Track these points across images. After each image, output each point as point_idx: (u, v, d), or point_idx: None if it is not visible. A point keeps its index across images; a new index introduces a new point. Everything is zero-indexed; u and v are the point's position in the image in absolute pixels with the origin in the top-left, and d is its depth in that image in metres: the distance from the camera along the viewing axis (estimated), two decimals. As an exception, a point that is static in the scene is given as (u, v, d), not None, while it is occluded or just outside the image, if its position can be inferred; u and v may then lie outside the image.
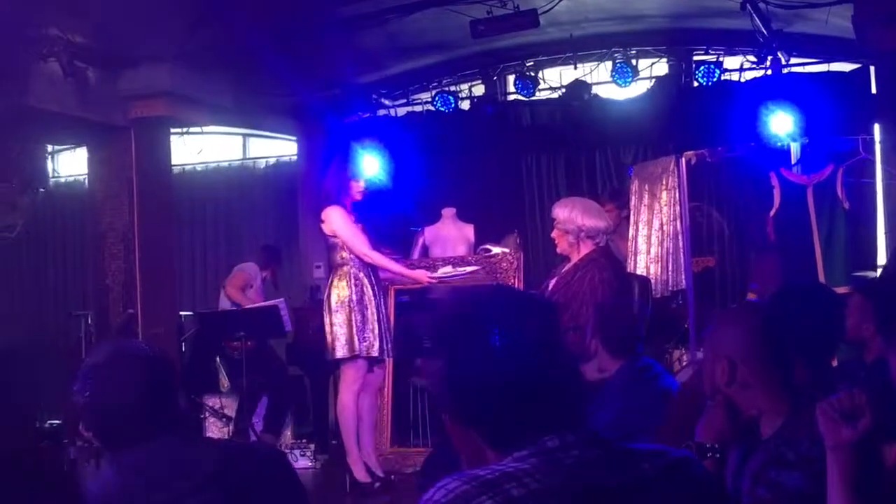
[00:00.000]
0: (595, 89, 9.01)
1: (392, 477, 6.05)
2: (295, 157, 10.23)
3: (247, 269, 8.08)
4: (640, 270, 7.09)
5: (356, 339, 5.76)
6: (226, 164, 10.71)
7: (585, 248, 5.35)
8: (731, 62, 8.57)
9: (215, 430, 7.52)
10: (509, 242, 7.91)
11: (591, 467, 1.40)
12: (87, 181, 9.20)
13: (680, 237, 6.96)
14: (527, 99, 9.09)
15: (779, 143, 7.23)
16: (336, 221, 5.84)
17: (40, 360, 9.72)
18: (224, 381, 7.75)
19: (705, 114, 8.09)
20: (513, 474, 1.36)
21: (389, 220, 8.37)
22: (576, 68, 9.01)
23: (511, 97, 9.46)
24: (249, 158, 10.76)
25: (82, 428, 2.25)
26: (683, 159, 6.88)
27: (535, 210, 9.46)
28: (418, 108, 9.58)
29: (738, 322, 2.33)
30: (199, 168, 10.65)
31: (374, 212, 6.39)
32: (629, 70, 8.51)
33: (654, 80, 8.92)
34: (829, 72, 8.27)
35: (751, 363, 2.26)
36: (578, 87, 8.90)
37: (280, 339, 8.14)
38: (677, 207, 6.96)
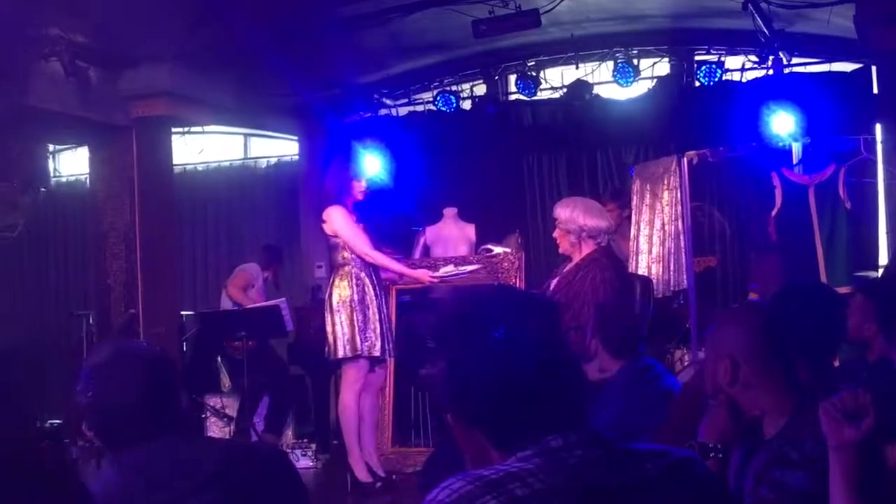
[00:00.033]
0: (596, 89, 9.01)
1: (393, 477, 6.05)
2: (296, 157, 10.23)
3: (248, 270, 8.08)
4: (642, 270, 7.09)
5: (358, 338, 5.76)
6: (227, 163, 10.71)
7: (587, 248, 5.35)
8: (732, 62, 8.56)
9: (216, 429, 7.52)
10: (511, 242, 7.91)
11: (595, 467, 1.40)
12: (88, 181, 9.21)
13: (681, 237, 6.96)
14: (528, 99, 9.09)
15: (780, 143, 7.23)
16: (337, 221, 5.84)
17: (41, 360, 9.73)
18: (225, 381, 7.76)
19: (707, 114, 8.09)
20: (517, 474, 1.36)
21: (391, 219, 8.37)
22: (577, 68, 9.00)
23: (512, 97, 9.46)
24: (251, 158, 10.76)
25: (84, 428, 2.25)
26: (685, 159, 6.87)
27: (536, 210, 9.46)
28: (420, 108, 9.58)
29: (740, 321, 2.33)
30: (200, 168, 10.65)
31: (376, 211, 6.39)
32: (631, 70, 8.51)
33: (655, 80, 8.92)
34: (830, 72, 8.27)
35: (753, 363, 2.25)
36: (580, 87, 8.90)
37: (281, 339, 8.15)
38: (679, 207, 6.96)
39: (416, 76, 9.55)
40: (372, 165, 6.18)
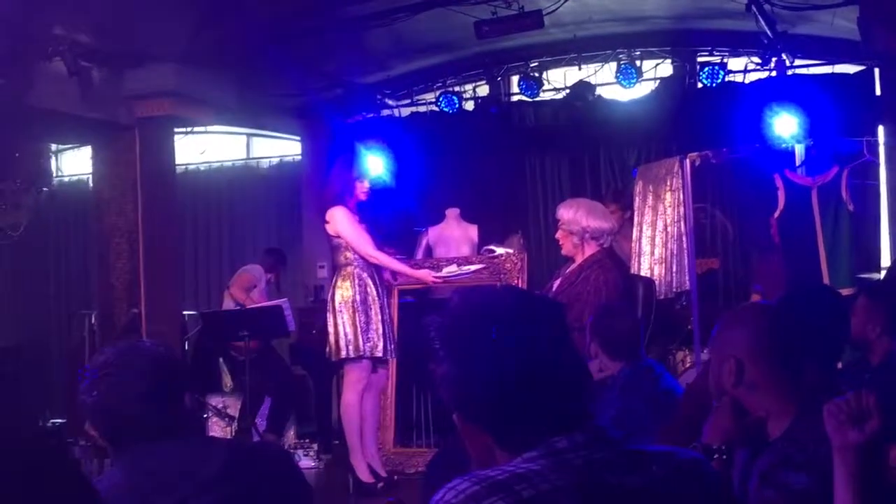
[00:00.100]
0: (599, 90, 9.01)
1: (395, 477, 6.06)
2: (299, 157, 10.23)
3: (251, 271, 8.09)
4: (644, 272, 7.08)
5: (360, 339, 5.76)
6: (229, 163, 10.71)
7: (590, 250, 5.36)
8: (735, 63, 8.56)
9: (218, 429, 7.53)
10: (513, 243, 7.92)
11: (601, 468, 1.40)
12: (91, 180, 9.21)
13: (684, 238, 6.96)
14: (531, 100, 9.08)
15: (783, 145, 7.23)
16: (340, 222, 5.85)
17: (44, 359, 9.75)
18: (227, 381, 7.77)
19: (709, 115, 8.09)
20: (523, 475, 1.36)
21: (393, 220, 8.38)
22: (580, 69, 9.00)
23: (515, 98, 9.46)
24: (253, 158, 10.76)
25: (89, 427, 2.25)
26: (688, 160, 6.87)
27: (538, 210, 9.47)
28: (422, 109, 9.58)
29: (745, 323, 2.33)
30: (202, 168, 10.65)
31: (378, 212, 6.39)
32: (633, 71, 8.51)
33: (658, 82, 8.93)
34: (833, 74, 8.27)
35: (758, 364, 2.25)
36: (582, 88, 8.90)
37: (283, 340, 8.15)
38: (681, 209, 6.95)
39: (418, 77, 9.56)
40: (374, 166, 6.18)
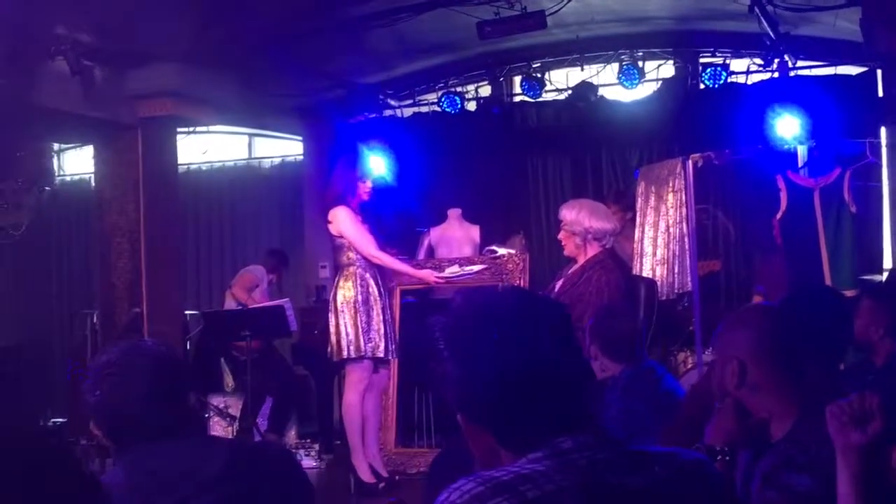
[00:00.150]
0: (601, 91, 9.01)
1: (396, 477, 6.06)
2: (300, 157, 10.22)
3: (253, 272, 8.09)
4: (646, 273, 7.08)
5: (362, 339, 5.76)
6: (231, 163, 10.71)
7: (592, 250, 5.35)
8: (737, 65, 8.56)
9: (219, 429, 7.52)
10: (515, 243, 7.91)
11: (605, 469, 1.41)
12: (93, 180, 9.21)
13: (686, 239, 6.95)
14: (533, 100, 9.08)
15: (785, 146, 7.22)
16: (343, 222, 5.85)
17: (45, 359, 9.75)
18: (228, 381, 7.77)
19: (712, 116, 8.08)
20: (527, 476, 1.37)
21: (395, 220, 8.37)
22: (582, 70, 9.00)
23: (517, 98, 9.45)
24: (255, 158, 10.75)
25: (93, 426, 2.25)
26: (690, 161, 6.86)
27: (540, 211, 9.47)
28: (424, 109, 9.58)
29: (748, 324, 2.33)
30: (204, 168, 10.65)
31: (380, 212, 6.40)
32: (636, 72, 8.50)
33: (660, 82, 8.92)
34: (836, 75, 8.26)
35: (761, 366, 2.25)
36: (585, 89, 8.90)
37: (285, 339, 8.15)
38: (683, 210, 6.95)
39: (421, 77, 9.55)
40: (377, 166, 6.18)
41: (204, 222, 10.57)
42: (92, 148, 8.75)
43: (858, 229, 6.98)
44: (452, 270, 6.35)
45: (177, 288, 8.35)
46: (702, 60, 8.69)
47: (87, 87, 7.34)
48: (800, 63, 8.22)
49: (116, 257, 8.07)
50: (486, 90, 9.56)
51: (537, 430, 1.43)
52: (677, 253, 7.05)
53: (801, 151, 7.27)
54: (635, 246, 7.34)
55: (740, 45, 8.45)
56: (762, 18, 7.15)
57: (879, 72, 7.65)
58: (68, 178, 11.20)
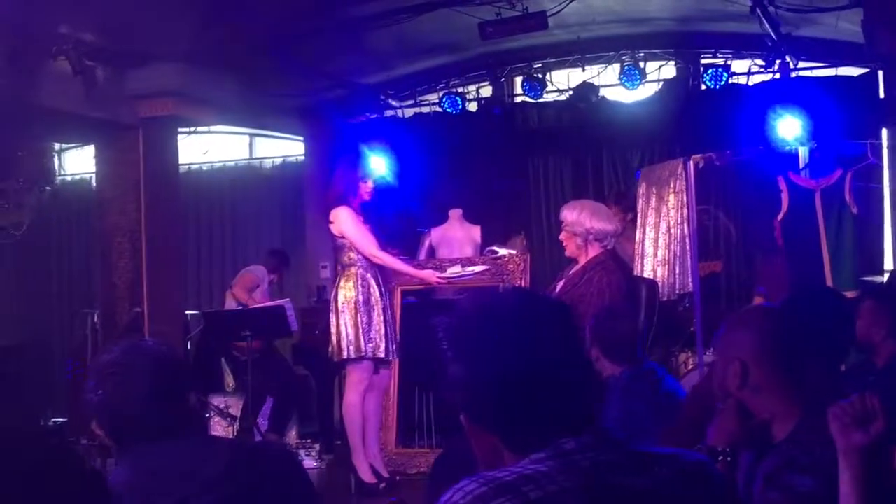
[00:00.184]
0: (603, 92, 9.01)
1: (397, 477, 6.06)
2: (301, 158, 10.23)
3: (254, 272, 8.09)
4: (647, 273, 7.08)
5: (362, 339, 5.76)
6: (232, 163, 10.71)
7: (593, 251, 5.34)
8: (739, 66, 8.56)
9: (220, 429, 7.52)
10: (516, 244, 7.92)
11: (608, 470, 1.41)
12: (94, 179, 9.22)
13: (687, 240, 6.95)
14: (534, 101, 9.09)
15: (787, 147, 7.21)
16: (344, 222, 5.85)
17: (46, 359, 9.75)
18: (229, 381, 7.76)
19: (713, 117, 8.09)
20: (530, 476, 1.37)
21: (396, 220, 8.38)
22: (583, 70, 9.00)
23: (518, 99, 9.46)
24: (256, 158, 10.76)
25: (95, 426, 2.25)
26: (691, 162, 6.86)
27: (541, 212, 9.47)
28: (426, 109, 9.58)
29: (750, 325, 2.33)
30: (205, 168, 10.66)
31: (381, 212, 6.39)
32: (637, 73, 8.50)
33: (661, 83, 8.92)
34: (837, 76, 8.26)
35: (763, 366, 2.25)
36: (586, 90, 8.90)
37: (286, 339, 8.15)
38: (685, 210, 6.95)
39: (422, 77, 9.56)
40: (378, 166, 6.18)
41: (205, 222, 10.57)
42: (93, 148, 8.75)
43: (859, 230, 6.98)
44: (454, 271, 6.35)
45: (178, 288, 8.35)
46: (703, 61, 8.70)
47: (88, 87, 7.34)
48: (801, 64, 8.23)
49: (117, 257, 8.07)
50: (487, 91, 9.56)
51: (540, 430, 1.43)
52: (678, 254, 7.05)
53: (803, 152, 7.26)
54: (636, 247, 7.33)
55: (741, 45, 8.45)
56: (763, 19, 7.16)
57: (881, 73, 7.64)
58: (69, 178, 11.20)
